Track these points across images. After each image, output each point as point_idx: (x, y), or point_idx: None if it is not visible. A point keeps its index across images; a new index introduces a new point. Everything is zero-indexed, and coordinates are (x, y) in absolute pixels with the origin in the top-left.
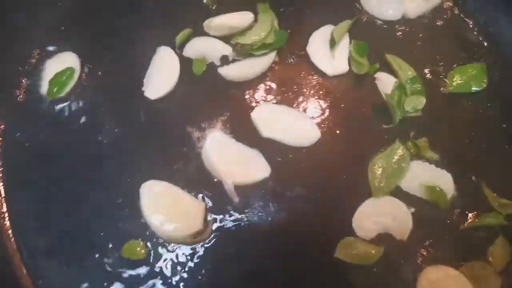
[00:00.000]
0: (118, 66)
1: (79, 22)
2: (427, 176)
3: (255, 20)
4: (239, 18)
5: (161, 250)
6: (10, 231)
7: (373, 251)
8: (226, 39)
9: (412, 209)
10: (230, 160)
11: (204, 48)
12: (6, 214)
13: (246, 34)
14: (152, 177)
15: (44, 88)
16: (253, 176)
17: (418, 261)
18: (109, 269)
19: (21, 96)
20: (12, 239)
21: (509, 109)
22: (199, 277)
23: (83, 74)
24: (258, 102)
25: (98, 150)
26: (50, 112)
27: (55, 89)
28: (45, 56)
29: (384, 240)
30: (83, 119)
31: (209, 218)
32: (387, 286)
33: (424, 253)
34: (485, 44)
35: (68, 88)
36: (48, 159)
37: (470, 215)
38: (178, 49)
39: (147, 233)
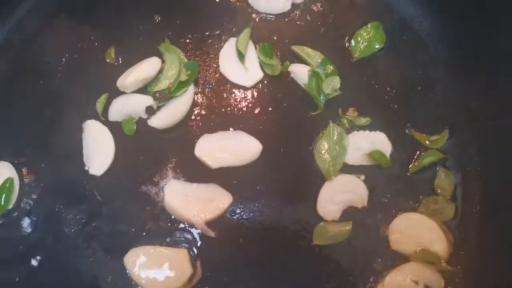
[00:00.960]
0: (52, 157)
1: None
2: (365, 143)
3: (163, 61)
4: (148, 67)
5: None
6: None
7: (345, 228)
8: (143, 90)
9: (362, 177)
10: (193, 202)
11: (126, 107)
12: None
13: (159, 79)
14: (129, 246)
15: None
16: (218, 209)
17: (384, 218)
18: None
19: None
20: None
21: (410, 55)
22: None
23: (24, 178)
24: (196, 138)
25: (69, 241)
26: (7, 226)
27: (2, 203)
28: None
29: (350, 214)
30: (40, 221)
31: (195, 259)
32: (366, 252)
33: (385, 210)
34: (372, 4)
35: (14, 198)
36: (24, 268)
37: (411, 161)
38: (103, 116)
39: None
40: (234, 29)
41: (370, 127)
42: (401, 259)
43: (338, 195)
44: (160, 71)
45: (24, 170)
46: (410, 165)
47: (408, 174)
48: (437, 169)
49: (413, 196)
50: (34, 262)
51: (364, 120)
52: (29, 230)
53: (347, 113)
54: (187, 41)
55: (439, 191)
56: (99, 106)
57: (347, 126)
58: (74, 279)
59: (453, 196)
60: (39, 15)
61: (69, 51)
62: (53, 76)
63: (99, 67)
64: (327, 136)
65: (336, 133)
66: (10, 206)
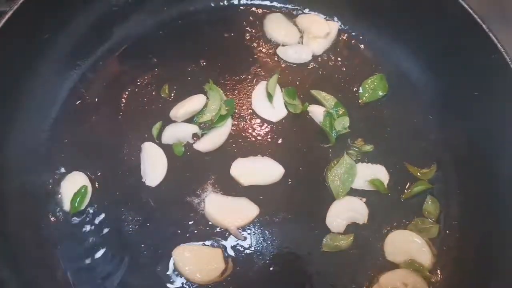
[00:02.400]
0: (116, 171)
1: (73, 146)
2: (368, 173)
3: (207, 97)
4: (196, 102)
5: None
6: None
7: (347, 239)
8: (191, 120)
9: (364, 199)
10: (227, 211)
11: (177, 133)
12: None
13: (204, 112)
14: (176, 244)
15: (66, 206)
16: (248, 218)
17: (380, 233)
18: None
19: (53, 219)
20: None
21: (408, 103)
22: None
23: (95, 186)
24: (232, 160)
25: (128, 238)
26: (78, 224)
27: (76, 204)
28: (57, 180)
29: (353, 228)
30: (106, 220)
31: (227, 257)
32: (364, 259)
33: (381, 226)
34: (378, 58)
35: (86, 202)
36: (91, 252)
37: (404, 188)
38: (157, 139)
39: (184, 285)
40: (264, 74)
41: (372, 161)
42: (393, 267)
43: (344, 212)
44: (205, 106)
45: (95, 180)
46: (404, 192)
47: (402, 199)
48: (426, 196)
49: (405, 217)
50: (98, 254)
51: (368, 147)
52: (96, 228)
53: (355, 142)
54: (226, 82)
55: (426, 214)
56: (154, 131)
57: (355, 153)
58: (130, 266)
59: (437, 219)
60: (110, 58)
61: (132, 86)
62: (118, 106)
63: (155, 100)
64: (340, 164)
65: (347, 163)
66: (83, 208)
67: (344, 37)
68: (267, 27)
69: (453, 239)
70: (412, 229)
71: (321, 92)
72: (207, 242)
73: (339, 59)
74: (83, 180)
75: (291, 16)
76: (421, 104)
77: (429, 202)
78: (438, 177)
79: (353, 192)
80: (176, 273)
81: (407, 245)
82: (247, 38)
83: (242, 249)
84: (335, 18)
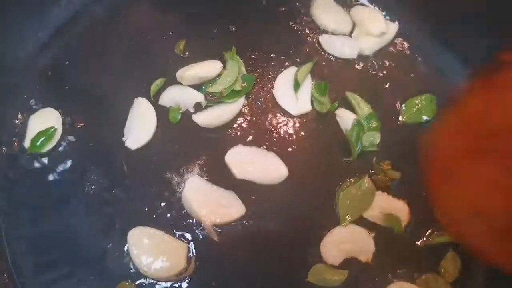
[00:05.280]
0: (98, 120)
1: (58, 80)
2: (386, 205)
3: (224, 67)
4: (209, 68)
5: None
6: None
7: (339, 276)
8: (198, 87)
9: (373, 234)
10: (208, 202)
11: (178, 96)
12: None
13: (216, 81)
14: (137, 223)
15: (27, 141)
16: (229, 216)
17: (381, 280)
18: None
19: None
20: None
21: None
22: None
23: (66, 129)
24: (231, 145)
25: (85, 200)
26: (32, 166)
27: (37, 146)
28: (29, 111)
29: (349, 264)
30: (67, 172)
31: (191, 255)
32: None
33: (385, 271)
34: (434, 76)
35: (50, 146)
36: (37, 212)
37: (424, 234)
38: (153, 98)
39: (136, 274)
40: (298, 60)
41: (394, 192)
42: None
43: (345, 242)
44: (219, 75)
45: (69, 123)
46: (422, 239)
47: (417, 245)
48: (447, 250)
49: (416, 268)
50: (47, 212)
51: (395, 174)
52: (52, 177)
53: (381, 163)
54: (252, 56)
55: (442, 272)
56: (153, 87)
57: (379, 176)
58: (75, 234)
59: (455, 281)
60: None
61: (145, 31)
62: (122, 49)
63: (166, 54)
64: (357, 185)
65: (366, 186)
66: (43, 151)
67: (401, 43)
68: (316, 9)
69: None
70: (421, 285)
71: (357, 96)
72: (174, 232)
73: (389, 66)
74: (54, 120)
75: (346, 4)
76: None
77: (449, 259)
78: None
79: (362, 222)
80: (128, 257)
81: None
82: (292, 15)
83: (211, 252)
84: (396, 19)
